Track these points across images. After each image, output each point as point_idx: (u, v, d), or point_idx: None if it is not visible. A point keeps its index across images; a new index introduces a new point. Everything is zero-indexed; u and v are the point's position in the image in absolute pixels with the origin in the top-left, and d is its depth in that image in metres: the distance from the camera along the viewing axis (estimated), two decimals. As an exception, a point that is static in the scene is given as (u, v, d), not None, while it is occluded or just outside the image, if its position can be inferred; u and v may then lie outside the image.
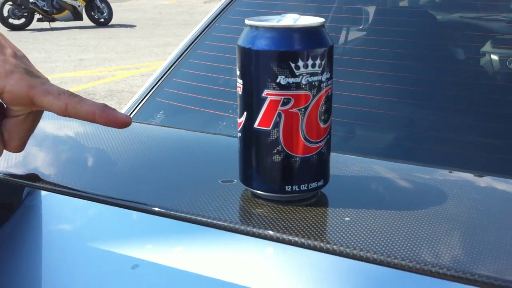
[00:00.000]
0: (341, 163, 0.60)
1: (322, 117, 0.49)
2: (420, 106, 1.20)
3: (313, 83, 0.47)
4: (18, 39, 8.03)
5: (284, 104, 0.47)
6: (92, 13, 9.76)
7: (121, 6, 12.39)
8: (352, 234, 0.43)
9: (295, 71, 0.46)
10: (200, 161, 0.61)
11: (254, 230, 0.44)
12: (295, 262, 0.75)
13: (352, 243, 0.41)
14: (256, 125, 0.48)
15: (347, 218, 0.46)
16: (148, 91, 1.23)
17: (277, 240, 0.43)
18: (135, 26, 10.06)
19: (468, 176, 0.58)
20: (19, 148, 0.52)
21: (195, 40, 1.27)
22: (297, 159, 0.48)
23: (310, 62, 0.46)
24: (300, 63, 0.46)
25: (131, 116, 1.20)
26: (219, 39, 1.26)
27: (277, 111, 0.47)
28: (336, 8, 1.69)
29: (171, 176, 0.56)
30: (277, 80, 0.46)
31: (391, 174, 0.59)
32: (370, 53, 1.47)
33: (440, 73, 1.23)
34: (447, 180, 0.57)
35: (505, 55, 1.28)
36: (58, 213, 0.95)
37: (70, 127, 0.73)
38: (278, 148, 0.48)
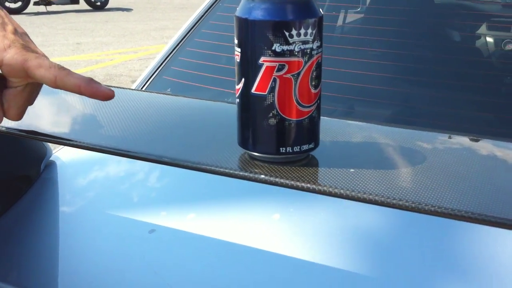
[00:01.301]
0: (330, 128, 0.64)
1: (313, 83, 0.53)
2: (417, 82, 1.25)
3: (305, 51, 0.51)
4: (14, 23, 8.01)
5: (279, 70, 0.51)
6: (89, -4, 9.74)
7: (117, -10, 12.33)
8: (345, 181, 0.48)
9: (289, 39, 0.50)
10: (207, 125, 0.66)
11: (252, 175, 0.49)
12: (299, 228, 0.81)
13: (349, 186, 0.46)
14: (253, 90, 0.52)
15: (337, 169, 0.51)
16: (155, 69, 1.28)
17: (277, 184, 0.48)
18: (132, 9, 10.04)
19: (463, 139, 0.63)
20: (18, 116, 0.57)
21: (199, 19, 1.31)
22: (291, 122, 0.53)
23: (302, 31, 0.51)
24: (294, 32, 0.50)
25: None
26: (223, 18, 1.30)
27: (273, 76, 0.51)
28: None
29: (184, 137, 0.61)
30: (273, 48, 0.50)
31: (377, 136, 0.64)
32: (369, 32, 1.52)
33: (436, 52, 1.28)
34: (442, 141, 0.63)
35: (500, 37, 1.33)
36: (74, 185, 0.99)
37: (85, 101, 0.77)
38: (273, 112, 0.52)
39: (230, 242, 0.78)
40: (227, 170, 0.51)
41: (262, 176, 0.49)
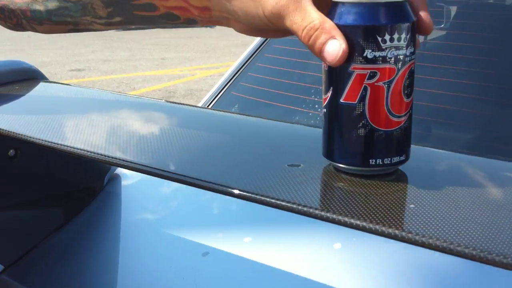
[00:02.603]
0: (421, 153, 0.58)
1: (406, 91, 0.50)
2: (504, 105, 1.15)
3: (398, 57, 0.48)
4: (103, 37, 8.41)
5: (370, 77, 0.48)
6: (175, 13, 10.06)
7: (202, 7, 12.67)
8: (420, 219, 0.42)
9: (382, 44, 0.47)
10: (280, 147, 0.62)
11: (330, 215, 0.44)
12: (361, 259, 0.74)
13: (421, 230, 0.40)
14: (342, 99, 0.49)
15: (412, 206, 0.45)
16: (224, 85, 1.26)
17: (349, 225, 0.43)
18: (214, 26, 10.27)
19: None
20: None
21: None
22: (381, 132, 0.49)
23: (396, 36, 0.47)
24: (387, 37, 0.47)
25: (209, 107, 1.23)
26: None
27: (363, 85, 0.48)
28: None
29: (246, 160, 0.57)
30: (364, 54, 0.47)
31: (462, 165, 0.57)
32: (452, 48, 1.43)
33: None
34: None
35: None
36: (135, 200, 0.98)
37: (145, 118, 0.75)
38: (363, 121, 0.49)
39: (286, 270, 0.73)
40: (309, 210, 0.46)
41: (331, 215, 0.44)
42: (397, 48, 0.48)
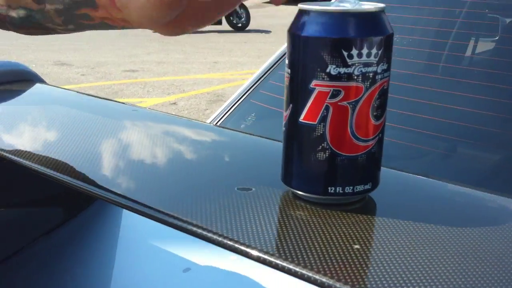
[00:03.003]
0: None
1: (375, 113, 0.44)
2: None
3: (366, 75, 0.43)
4: (160, 40, 8.55)
5: (333, 96, 0.43)
6: (231, 18, 10.13)
7: (258, 12, 12.72)
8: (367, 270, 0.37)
9: (348, 60, 0.42)
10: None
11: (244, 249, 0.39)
12: None
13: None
14: (301, 118, 0.44)
15: (356, 246, 0.40)
16: (244, 92, 1.22)
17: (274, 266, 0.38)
18: (270, 31, 10.26)
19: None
20: None
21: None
22: (343, 158, 0.44)
23: (365, 51, 0.42)
24: (354, 52, 0.42)
25: (225, 116, 1.19)
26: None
27: (325, 103, 0.43)
28: (465, 15, 1.56)
29: (197, 183, 0.53)
30: (327, 70, 0.42)
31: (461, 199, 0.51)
32: (502, 65, 1.34)
33: None
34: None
35: None
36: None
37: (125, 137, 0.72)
38: (323, 144, 0.44)
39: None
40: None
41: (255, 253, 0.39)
42: (366, 64, 0.42)
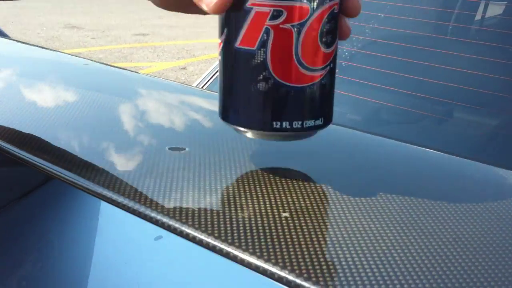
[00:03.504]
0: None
1: (324, 39, 0.38)
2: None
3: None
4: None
5: (273, 17, 0.37)
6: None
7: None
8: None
9: None
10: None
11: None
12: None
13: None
14: (237, 44, 0.38)
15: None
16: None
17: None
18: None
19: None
20: None
21: None
22: (289, 88, 0.39)
23: None
24: None
25: (215, 75, 1.14)
26: None
27: (265, 26, 0.37)
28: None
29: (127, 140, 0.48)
30: None
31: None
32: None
33: None
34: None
35: None
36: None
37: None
38: (264, 73, 0.38)
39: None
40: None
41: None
42: None
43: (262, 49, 0.38)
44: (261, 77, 0.38)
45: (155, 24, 7.08)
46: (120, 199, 0.37)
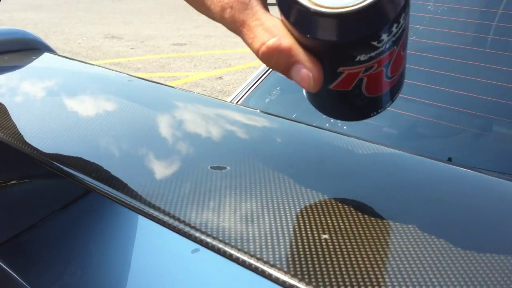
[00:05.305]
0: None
1: (404, 49, 0.42)
2: None
3: (396, 41, 0.39)
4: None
5: (366, 71, 0.39)
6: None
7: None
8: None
9: (377, 45, 0.38)
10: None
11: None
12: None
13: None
14: (331, 87, 0.41)
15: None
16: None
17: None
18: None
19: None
20: None
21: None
22: (381, 95, 0.43)
23: (394, 29, 0.38)
24: (384, 37, 0.37)
25: (251, 89, 1.15)
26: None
27: (358, 78, 0.40)
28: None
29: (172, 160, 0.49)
30: (356, 59, 0.38)
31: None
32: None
33: None
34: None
35: None
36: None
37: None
38: (361, 97, 0.42)
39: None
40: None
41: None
42: (395, 35, 0.38)
43: (357, 88, 0.41)
44: (358, 99, 0.42)
45: (192, 34, 7.17)
46: (156, 213, 0.38)
